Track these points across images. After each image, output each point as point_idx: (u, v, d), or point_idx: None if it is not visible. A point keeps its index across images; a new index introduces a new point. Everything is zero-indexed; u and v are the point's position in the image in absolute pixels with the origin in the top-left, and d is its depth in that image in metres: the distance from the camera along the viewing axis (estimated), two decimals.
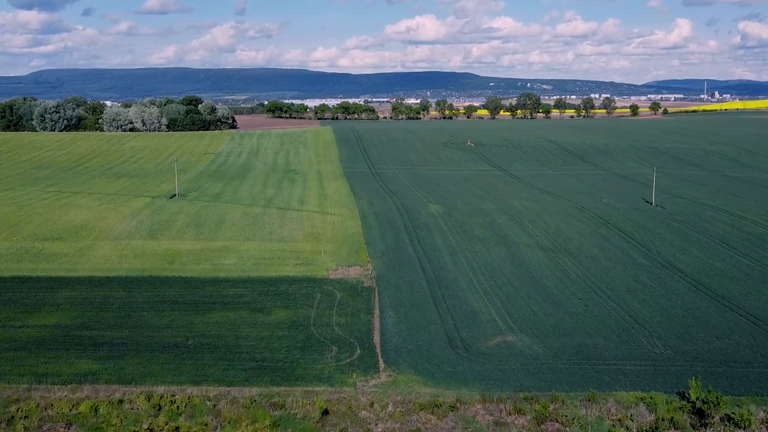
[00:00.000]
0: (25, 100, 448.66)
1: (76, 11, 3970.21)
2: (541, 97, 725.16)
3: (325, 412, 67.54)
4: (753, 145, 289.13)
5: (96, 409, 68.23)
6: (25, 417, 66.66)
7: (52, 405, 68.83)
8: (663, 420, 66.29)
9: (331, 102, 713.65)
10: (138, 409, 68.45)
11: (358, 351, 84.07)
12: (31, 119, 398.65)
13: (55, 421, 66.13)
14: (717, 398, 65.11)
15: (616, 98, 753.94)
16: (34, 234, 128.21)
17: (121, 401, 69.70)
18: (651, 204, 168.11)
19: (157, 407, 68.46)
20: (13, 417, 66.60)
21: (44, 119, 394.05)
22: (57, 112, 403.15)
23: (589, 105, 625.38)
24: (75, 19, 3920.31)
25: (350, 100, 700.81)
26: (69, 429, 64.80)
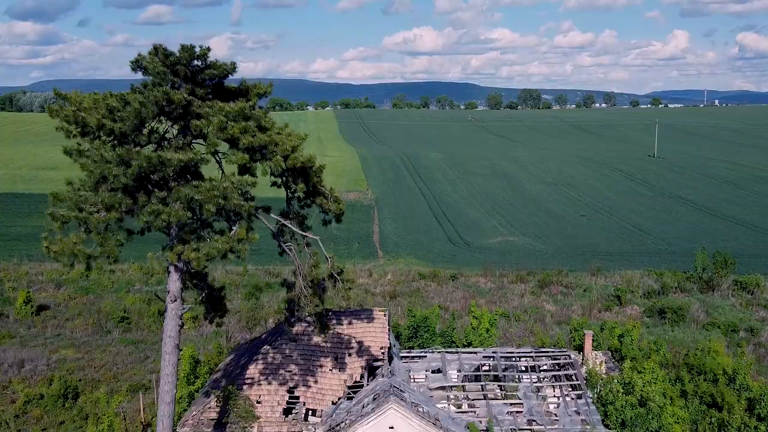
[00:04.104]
0: (25, 93, 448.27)
1: (71, 21, 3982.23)
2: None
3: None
4: (758, 119, 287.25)
5: (87, 276, 66.44)
6: (15, 280, 64.91)
7: (42, 273, 67.17)
8: (670, 287, 64.49)
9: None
10: (131, 276, 66.74)
11: (357, 245, 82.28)
12: (32, 110, 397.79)
13: (44, 283, 64.35)
14: (725, 259, 63.26)
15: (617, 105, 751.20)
16: (29, 165, 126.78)
17: (112, 271, 67.85)
18: (653, 156, 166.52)
19: (150, 275, 66.73)
20: (1, 279, 64.83)
21: (44, 110, 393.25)
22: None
23: (590, 101, 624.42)
24: (72, 29, 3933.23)
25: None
26: (59, 289, 62.99)
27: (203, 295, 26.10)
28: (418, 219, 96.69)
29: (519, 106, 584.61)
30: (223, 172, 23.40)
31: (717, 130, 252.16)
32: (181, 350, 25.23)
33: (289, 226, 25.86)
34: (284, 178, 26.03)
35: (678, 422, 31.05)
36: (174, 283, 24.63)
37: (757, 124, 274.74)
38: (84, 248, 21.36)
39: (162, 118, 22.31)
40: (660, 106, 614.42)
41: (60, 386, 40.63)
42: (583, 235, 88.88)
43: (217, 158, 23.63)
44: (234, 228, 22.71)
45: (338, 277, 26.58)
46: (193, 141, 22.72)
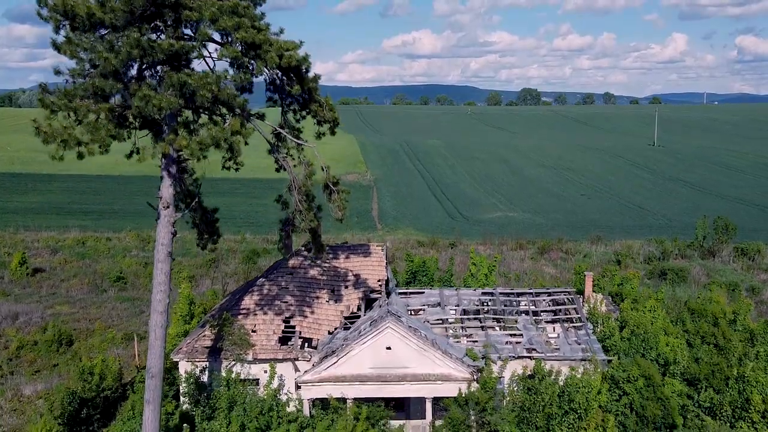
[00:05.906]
0: (24, 92, 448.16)
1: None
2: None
3: None
4: (756, 115, 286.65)
5: (83, 243, 66.06)
6: (10, 246, 64.30)
7: (38, 240, 66.66)
8: (671, 253, 64.06)
9: None
10: (128, 243, 66.25)
11: (355, 219, 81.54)
12: (31, 107, 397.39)
13: (40, 249, 63.80)
14: (726, 224, 62.82)
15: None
16: (26, 148, 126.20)
17: (109, 239, 67.48)
18: (653, 145, 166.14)
19: (147, 242, 66.16)
20: None
21: None
22: None
23: (590, 100, 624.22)
24: None
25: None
26: (55, 255, 62.45)
27: (193, 203, 25.65)
28: (417, 198, 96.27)
29: (518, 105, 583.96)
30: (213, 72, 22.91)
31: (717, 124, 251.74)
32: (173, 259, 24.72)
33: (284, 133, 25.49)
34: (280, 89, 25.64)
35: (675, 350, 30.62)
36: (166, 189, 24.17)
37: (757, 119, 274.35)
38: (74, 133, 20.80)
39: (152, 11, 21.66)
40: (660, 104, 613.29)
41: (54, 333, 40.17)
42: (584, 212, 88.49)
43: (208, 61, 23.15)
44: (228, 120, 22.26)
45: (334, 188, 26.31)
46: (185, 42, 22.03)
